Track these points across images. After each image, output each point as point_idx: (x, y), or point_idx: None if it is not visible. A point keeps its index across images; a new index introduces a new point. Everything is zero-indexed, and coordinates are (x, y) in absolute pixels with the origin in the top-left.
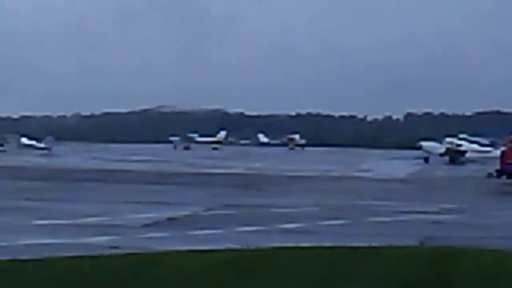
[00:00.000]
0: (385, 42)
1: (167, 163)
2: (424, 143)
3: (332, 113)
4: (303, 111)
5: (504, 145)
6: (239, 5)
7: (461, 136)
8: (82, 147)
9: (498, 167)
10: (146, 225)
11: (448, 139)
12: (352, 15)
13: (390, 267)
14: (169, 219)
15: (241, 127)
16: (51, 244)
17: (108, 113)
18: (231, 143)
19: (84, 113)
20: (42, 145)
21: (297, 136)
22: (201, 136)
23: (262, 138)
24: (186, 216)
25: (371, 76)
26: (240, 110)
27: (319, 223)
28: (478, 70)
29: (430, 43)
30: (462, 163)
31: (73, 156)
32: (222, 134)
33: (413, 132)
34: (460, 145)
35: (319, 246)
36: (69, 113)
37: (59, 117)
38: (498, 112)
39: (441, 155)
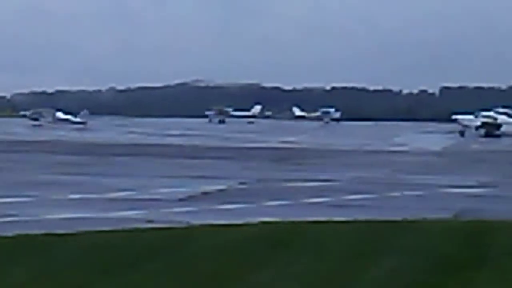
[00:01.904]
0: (420, 16)
1: (202, 137)
2: (459, 117)
3: (367, 87)
4: (338, 85)
5: None
6: None
7: (497, 110)
8: (117, 121)
9: None
10: (181, 200)
11: (484, 113)
12: None
13: (425, 241)
14: (204, 193)
15: (276, 101)
16: (86, 218)
17: (143, 88)
18: (266, 117)
19: (119, 87)
20: (77, 119)
21: (332, 110)
22: (236, 110)
23: (298, 112)
24: (220, 190)
25: (406, 49)
26: (275, 84)
27: (353, 197)
28: None
29: (465, 17)
30: (498, 137)
31: (108, 130)
32: (257, 108)
33: (448, 106)
34: (495, 119)
35: (353, 220)
36: (104, 88)
37: (94, 91)
38: None
39: (477, 128)
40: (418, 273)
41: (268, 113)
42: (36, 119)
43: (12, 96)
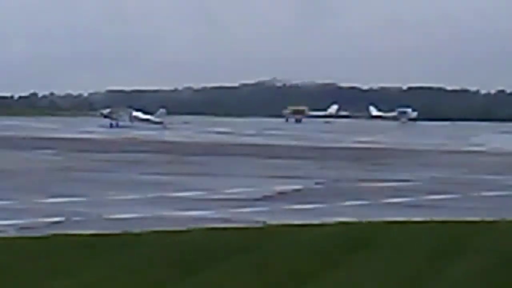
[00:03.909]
0: (499, 15)
1: (279, 137)
2: None
3: (444, 87)
4: (414, 85)
5: None
6: None
7: None
8: (194, 121)
9: None
10: (257, 199)
11: None
12: None
13: (503, 242)
14: (280, 193)
15: (352, 101)
16: (163, 217)
17: (220, 87)
18: (343, 117)
19: (196, 87)
20: (156, 119)
21: (409, 110)
22: (312, 110)
23: (374, 111)
24: (297, 190)
25: (485, 49)
26: (352, 84)
27: (431, 197)
28: None
29: None
30: None
31: (185, 130)
32: (334, 107)
33: None
34: None
35: (431, 220)
36: (181, 87)
37: (171, 91)
38: None
39: None
40: (496, 274)
41: (344, 112)
42: (113, 118)
43: (88, 95)
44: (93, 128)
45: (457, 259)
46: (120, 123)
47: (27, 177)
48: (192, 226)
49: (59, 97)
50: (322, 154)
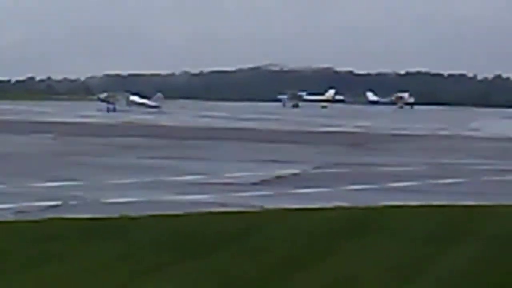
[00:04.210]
0: (495, 0)
1: (276, 121)
2: None
3: (441, 72)
4: (412, 70)
5: None
6: None
7: None
8: (190, 105)
9: None
10: (255, 183)
11: None
12: None
13: (502, 226)
14: (278, 177)
15: (350, 86)
16: (160, 201)
17: (217, 71)
18: (340, 101)
19: (193, 71)
20: (153, 103)
21: (406, 95)
22: (309, 94)
23: (371, 96)
24: (295, 174)
25: (481, 34)
26: (349, 68)
27: (429, 181)
28: None
29: None
30: None
31: (182, 114)
32: (331, 92)
33: None
34: None
35: (430, 205)
36: (177, 71)
37: (167, 75)
38: None
39: None
40: (494, 258)
41: (341, 97)
42: (110, 102)
43: (85, 79)
44: (90, 112)
45: (455, 244)
46: (117, 107)
47: (23, 161)
48: (189, 210)
49: (56, 81)
50: (319, 138)
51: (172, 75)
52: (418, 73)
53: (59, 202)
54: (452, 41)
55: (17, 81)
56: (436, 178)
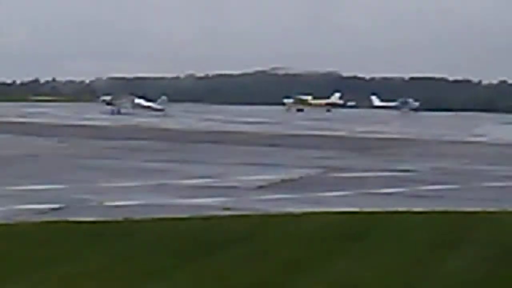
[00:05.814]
0: (500, 5)
1: (281, 125)
2: None
3: (446, 77)
4: (417, 75)
5: None
6: None
7: None
8: (195, 108)
9: None
10: (260, 187)
11: None
12: None
13: (503, 232)
14: (283, 181)
15: (354, 90)
16: (165, 204)
17: (222, 75)
18: (345, 106)
19: (198, 74)
20: (158, 106)
21: (410, 100)
22: (314, 98)
23: (376, 101)
24: (299, 178)
25: (486, 40)
26: (354, 73)
27: (432, 187)
28: None
29: None
30: None
31: (186, 117)
32: (336, 96)
33: None
34: None
35: (432, 210)
36: (183, 75)
37: (173, 78)
38: None
39: None
40: (495, 265)
41: (346, 102)
42: (115, 105)
43: (90, 82)
44: (95, 115)
45: (456, 250)
46: (122, 110)
47: (29, 163)
48: (192, 214)
49: (61, 83)
50: (324, 143)
51: (177, 78)
52: (423, 78)
53: (63, 205)
54: (457, 47)
55: (22, 83)
56: (437, 184)
